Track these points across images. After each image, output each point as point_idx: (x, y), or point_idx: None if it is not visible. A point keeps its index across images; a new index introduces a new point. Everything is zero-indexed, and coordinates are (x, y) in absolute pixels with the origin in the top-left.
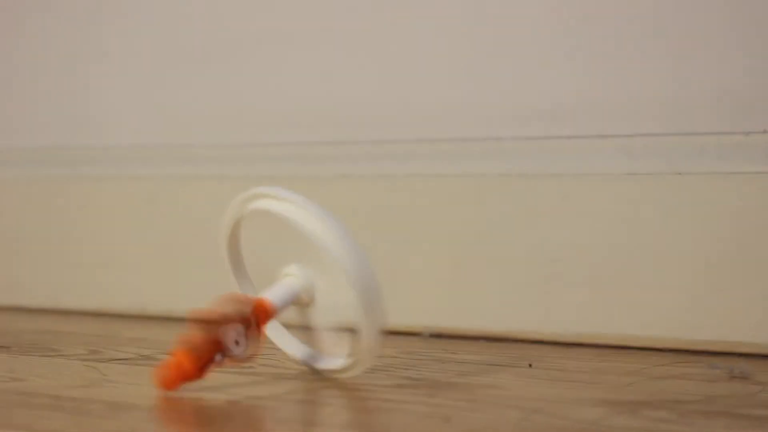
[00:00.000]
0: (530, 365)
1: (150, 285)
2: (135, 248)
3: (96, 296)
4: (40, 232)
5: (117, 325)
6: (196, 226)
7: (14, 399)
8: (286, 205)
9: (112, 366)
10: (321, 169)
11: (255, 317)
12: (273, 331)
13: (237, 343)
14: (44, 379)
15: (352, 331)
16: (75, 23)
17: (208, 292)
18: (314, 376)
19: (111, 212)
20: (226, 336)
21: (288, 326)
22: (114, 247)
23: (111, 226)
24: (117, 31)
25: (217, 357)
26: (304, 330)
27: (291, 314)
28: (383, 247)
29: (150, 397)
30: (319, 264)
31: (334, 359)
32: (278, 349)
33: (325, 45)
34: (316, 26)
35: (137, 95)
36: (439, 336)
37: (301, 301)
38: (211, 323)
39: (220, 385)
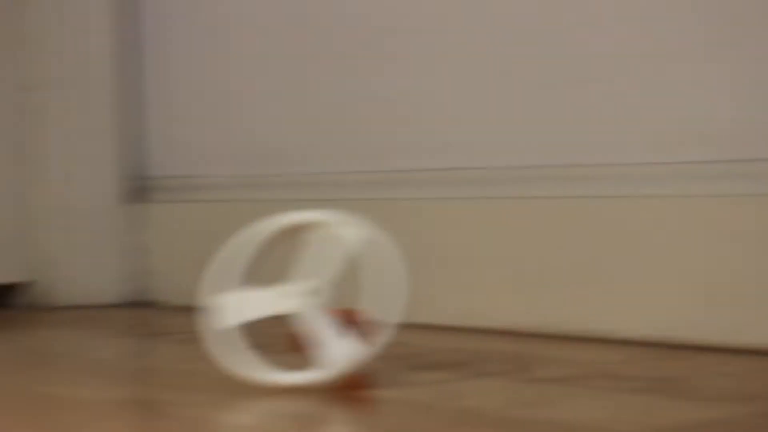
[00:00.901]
0: None
1: (567, 304)
2: (551, 268)
3: (510, 315)
4: (458, 251)
5: (534, 345)
6: (617, 244)
7: (458, 417)
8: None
9: (544, 386)
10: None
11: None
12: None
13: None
14: (482, 398)
15: None
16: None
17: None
18: None
19: (522, 232)
20: None
21: None
22: (529, 267)
23: (525, 246)
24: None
25: None
26: None
27: None
28: None
29: (599, 419)
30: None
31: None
32: None
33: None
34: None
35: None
36: None
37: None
38: None
39: None
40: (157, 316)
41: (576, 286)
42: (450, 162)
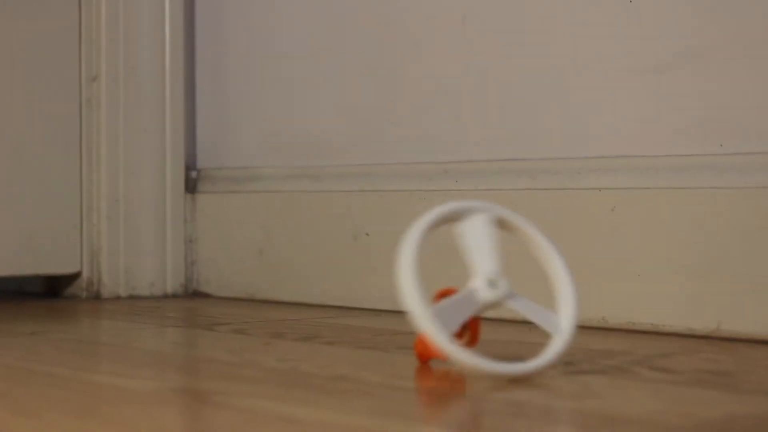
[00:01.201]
0: None
1: (611, 296)
2: (596, 260)
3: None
4: None
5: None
6: (660, 238)
7: (508, 410)
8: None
9: (592, 378)
10: None
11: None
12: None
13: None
14: (526, 389)
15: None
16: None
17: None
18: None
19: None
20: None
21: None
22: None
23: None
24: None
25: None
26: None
27: None
28: None
29: (646, 412)
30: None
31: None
32: None
33: None
34: None
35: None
36: None
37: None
38: None
39: None
40: (207, 307)
41: (616, 278)
42: (506, 153)
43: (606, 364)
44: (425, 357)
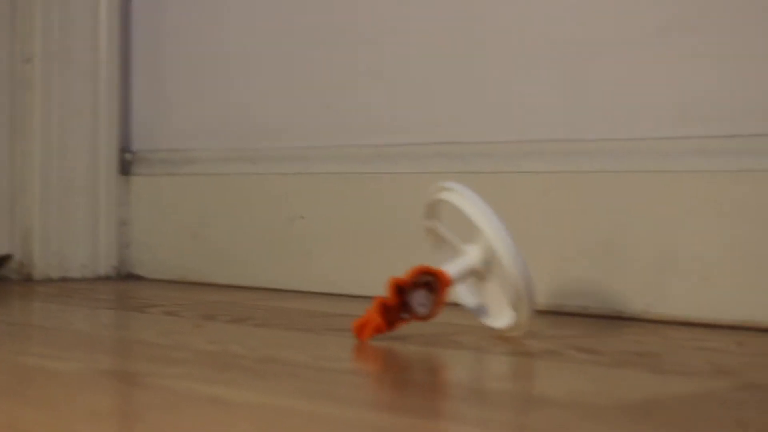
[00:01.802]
0: None
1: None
2: (529, 243)
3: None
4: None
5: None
6: (591, 222)
7: (437, 391)
8: (458, 197)
9: (520, 359)
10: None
11: (437, 285)
12: (461, 289)
13: (422, 305)
14: (457, 371)
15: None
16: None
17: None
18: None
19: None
20: (412, 299)
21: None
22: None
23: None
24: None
25: (404, 315)
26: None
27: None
28: None
29: (571, 392)
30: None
31: (499, 320)
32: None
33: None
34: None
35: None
36: None
37: (478, 274)
38: (401, 288)
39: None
40: (140, 290)
41: (548, 261)
42: (443, 136)
43: (535, 346)
44: (367, 335)
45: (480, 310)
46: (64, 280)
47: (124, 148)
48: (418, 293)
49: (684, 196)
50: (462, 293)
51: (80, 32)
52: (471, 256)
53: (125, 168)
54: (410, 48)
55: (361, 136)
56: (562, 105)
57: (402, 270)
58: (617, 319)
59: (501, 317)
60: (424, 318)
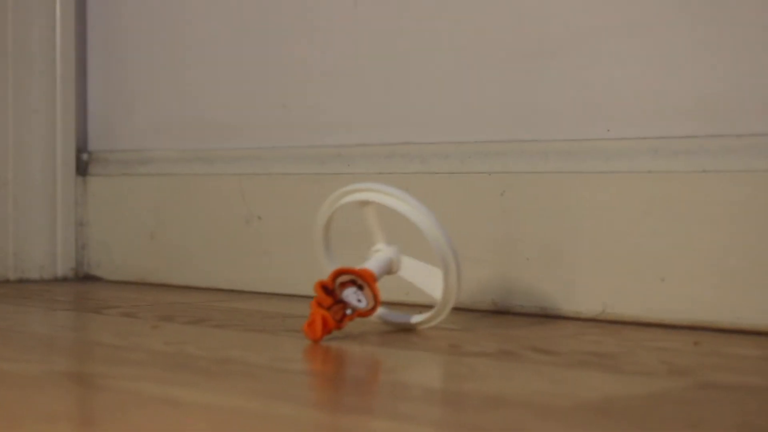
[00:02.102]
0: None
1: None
2: (486, 243)
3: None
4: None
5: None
6: (548, 222)
7: (392, 392)
8: (382, 196)
9: (476, 360)
10: (678, 163)
11: (364, 281)
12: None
13: (359, 300)
14: (412, 372)
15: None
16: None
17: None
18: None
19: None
20: (347, 297)
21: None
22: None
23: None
24: (467, 27)
25: (348, 311)
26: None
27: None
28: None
29: (527, 393)
30: (400, 241)
31: (410, 316)
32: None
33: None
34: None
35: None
36: None
37: (391, 270)
38: (332, 288)
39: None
40: (98, 291)
41: (505, 261)
42: (400, 137)
43: (491, 346)
44: (320, 334)
45: (403, 317)
46: (22, 281)
47: (81, 149)
48: (348, 291)
49: (639, 197)
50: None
51: (35, 30)
52: (383, 251)
53: (82, 168)
54: (366, 48)
55: (318, 137)
56: (517, 105)
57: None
58: (574, 320)
59: (423, 314)
60: (369, 311)
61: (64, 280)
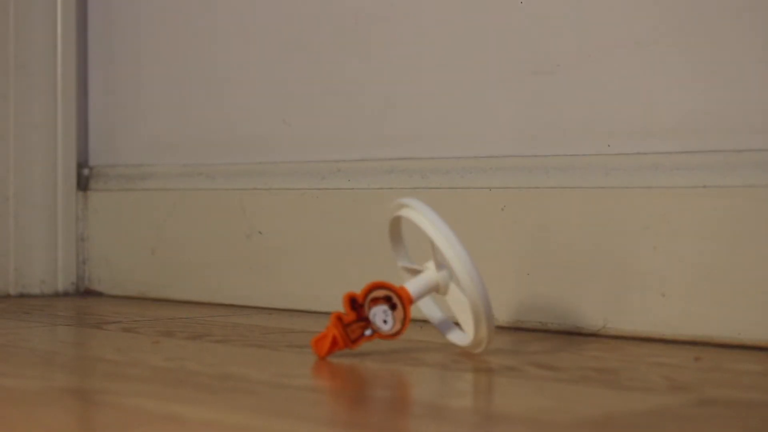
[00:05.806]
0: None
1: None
2: (487, 259)
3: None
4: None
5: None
6: (549, 237)
7: (395, 408)
8: (416, 215)
9: (478, 376)
10: (678, 178)
11: (399, 300)
12: (426, 303)
13: (385, 321)
14: (414, 388)
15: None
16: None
17: (552, 301)
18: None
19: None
20: (374, 315)
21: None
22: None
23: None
24: (468, 44)
25: (367, 332)
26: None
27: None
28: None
29: (529, 409)
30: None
31: (461, 336)
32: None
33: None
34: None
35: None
36: None
37: (439, 291)
38: (356, 302)
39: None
40: (98, 306)
41: (506, 276)
42: (400, 152)
43: (494, 362)
44: (325, 352)
45: (443, 326)
46: (23, 296)
47: (82, 163)
48: (378, 309)
49: (641, 212)
50: (426, 307)
51: (37, 46)
52: (431, 272)
53: (83, 183)
54: (368, 64)
55: (319, 152)
56: (517, 121)
57: (360, 286)
58: (576, 335)
59: (463, 333)
60: (391, 336)
61: (65, 295)
